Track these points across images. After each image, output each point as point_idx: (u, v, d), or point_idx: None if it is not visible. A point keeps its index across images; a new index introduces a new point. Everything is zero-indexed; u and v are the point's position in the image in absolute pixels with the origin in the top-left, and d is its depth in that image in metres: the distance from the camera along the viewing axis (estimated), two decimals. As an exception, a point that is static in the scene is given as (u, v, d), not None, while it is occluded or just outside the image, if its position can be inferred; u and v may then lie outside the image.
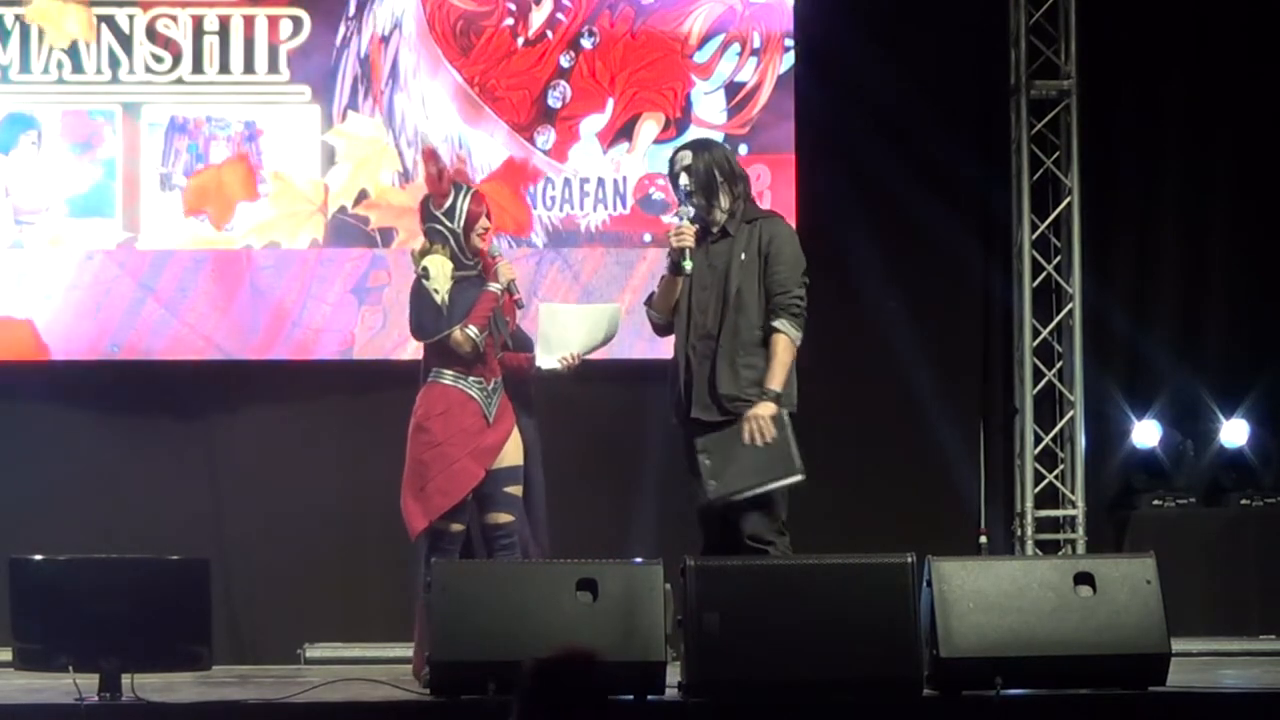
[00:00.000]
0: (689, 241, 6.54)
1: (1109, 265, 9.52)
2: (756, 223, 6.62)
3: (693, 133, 9.05)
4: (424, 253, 7.06)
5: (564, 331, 7.13)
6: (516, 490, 7.07)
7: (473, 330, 6.93)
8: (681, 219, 6.58)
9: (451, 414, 6.98)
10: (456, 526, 7.01)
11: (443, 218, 7.06)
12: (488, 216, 7.12)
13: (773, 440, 6.40)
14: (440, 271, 6.99)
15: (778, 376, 6.47)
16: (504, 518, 7.04)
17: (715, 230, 6.62)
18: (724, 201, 6.60)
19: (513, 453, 7.09)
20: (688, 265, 6.54)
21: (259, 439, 8.97)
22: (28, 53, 8.96)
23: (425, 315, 7.01)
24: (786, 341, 6.49)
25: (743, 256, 6.55)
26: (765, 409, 6.43)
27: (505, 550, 6.99)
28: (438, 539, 6.99)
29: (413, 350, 7.08)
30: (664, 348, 8.91)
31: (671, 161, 6.72)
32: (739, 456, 6.41)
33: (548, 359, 7.13)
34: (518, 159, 8.99)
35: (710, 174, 6.61)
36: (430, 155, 7.30)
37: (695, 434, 6.53)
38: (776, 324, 6.50)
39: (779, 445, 6.41)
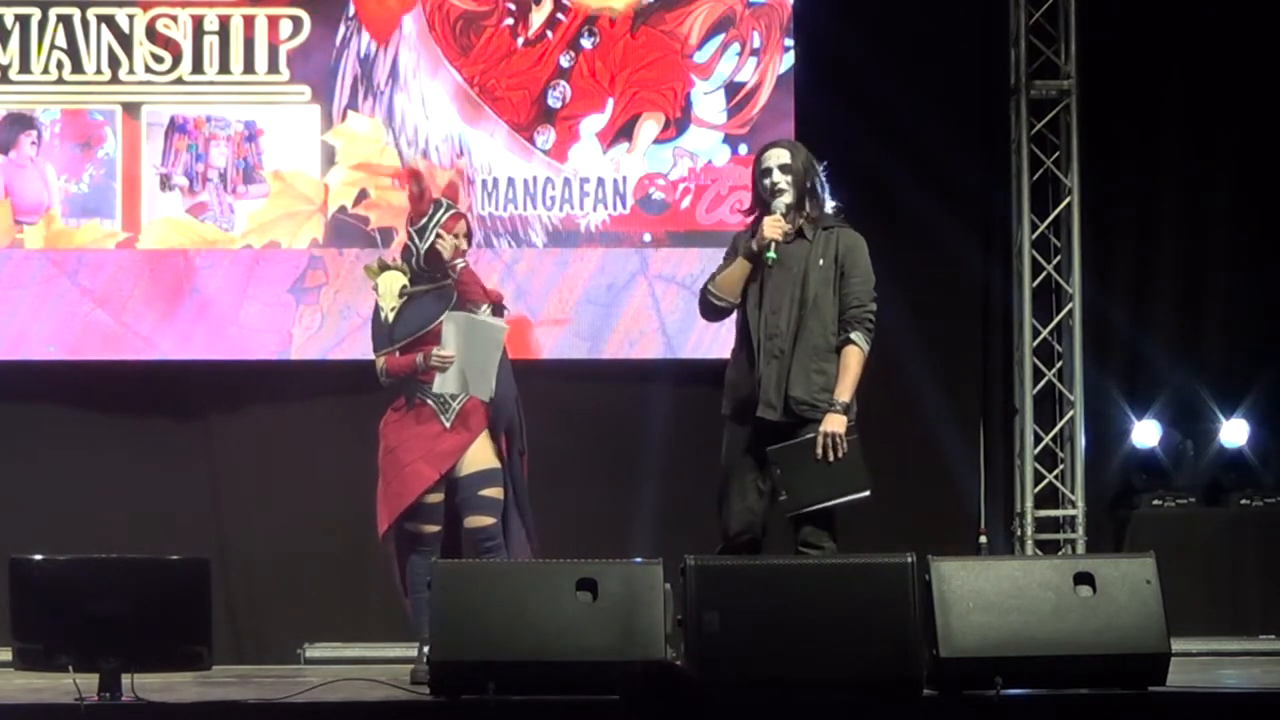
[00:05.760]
0: (780, 235, 6.53)
1: (1109, 265, 9.52)
2: (833, 230, 6.62)
3: (693, 133, 9.07)
4: (381, 268, 7.31)
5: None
6: (493, 493, 7.15)
7: (381, 366, 7.23)
8: (773, 211, 6.53)
9: (404, 420, 7.21)
10: (430, 528, 7.17)
11: (414, 234, 7.25)
12: (465, 237, 7.25)
13: (843, 455, 6.44)
14: (387, 289, 7.25)
15: (849, 389, 6.50)
16: (482, 520, 7.13)
17: (790, 231, 6.61)
18: (809, 205, 6.61)
19: (485, 456, 7.16)
20: (772, 256, 6.49)
21: (259, 439, 8.97)
22: (28, 53, 8.96)
23: (374, 331, 7.33)
24: (860, 354, 6.52)
25: (820, 262, 6.55)
26: (838, 424, 6.44)
27: (490, 553, 7.09)
28: (414, 541, 7.19)
29: (357, 351, 7.29)
30: (660, 348, 8.98)
31: (763, 158, 6.64)
32: (810, 470, 6.43)
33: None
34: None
35: (808, 174, 6.62)
36: (412, 175, 7.46)
37: (757, 430, 6.52)
38: (852, 336, 6.53)
39: (849, 460, 6.45)
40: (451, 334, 7.09)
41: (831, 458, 6.42)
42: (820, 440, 6.43)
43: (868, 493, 6.48)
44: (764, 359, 6.53)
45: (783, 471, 6.44)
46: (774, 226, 6.49)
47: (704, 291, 6.69)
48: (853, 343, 6.53)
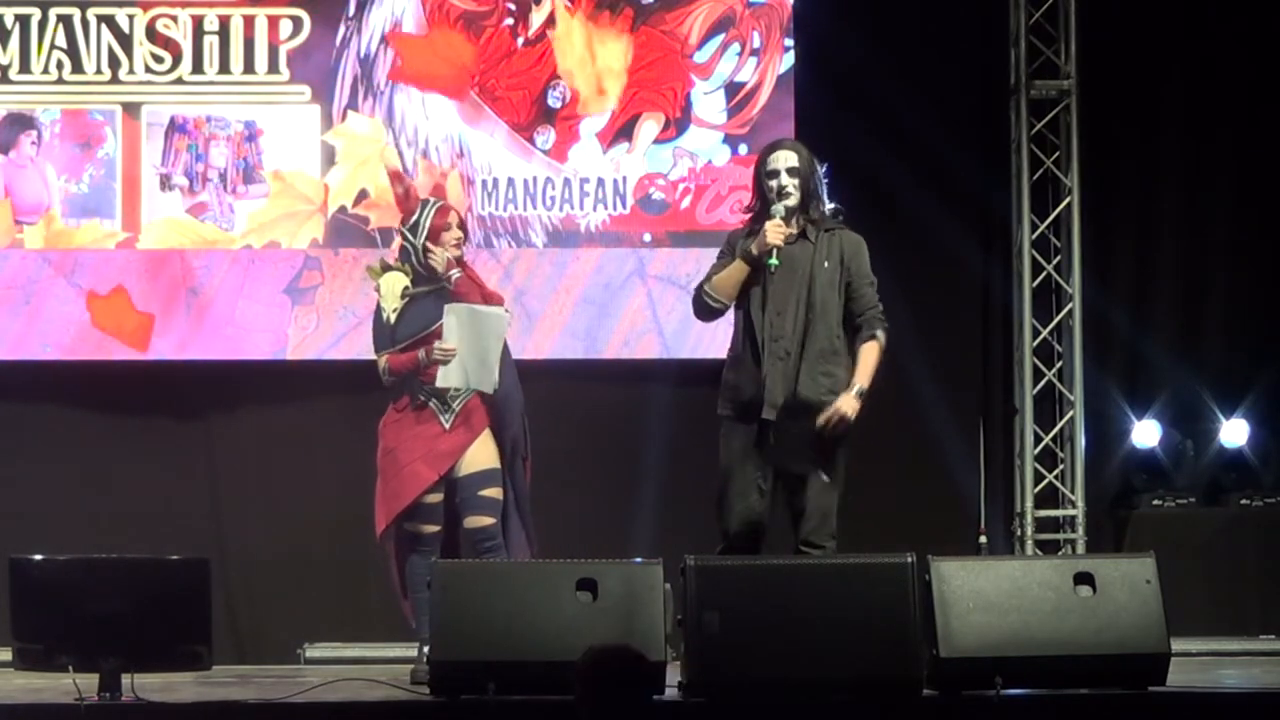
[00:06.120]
0: (781, 241, 6.52)
1: (1109, 265, 9.51)
2: (834, 232, 6.63)
3: (693, 133, 9.06)
4: (383, 269, 7.30)
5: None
6: (493, 493, 7.15)
7: (384, 366, 7.19)
8: (774, 215, 6.53)
9: (404, 420, 7.20)
10: (429, 528, 7.17)
11: (407, 233, 7.26)
12: (460, 227, 7.27)
13: (837, 435, 6.45)
14: (389, 290, 7.25)
15: (867, 374, 6.53)
16: (482, 520, 7.14)
17: (793, 233, 6.59)
18: (812, 207, 6.60)
19: (485, 457, 7.16)
20: (774, 262, 6.50)
21: (259, 439, 8.97)
22: (28, 53, 8.96)
23: (375, 331, 7.31)
24: (879, 348, 6.57)
25: (825, 264, 6.56)
26: (852, 407, 6.47)
27: (489, 553, 7.09)
28: (414, 541, 7.19)
29: (355, 351, 7.25)
30: (658, 349, 8.98)
31: (769, 159, 6.62)
32: (805, 433, 6.43)
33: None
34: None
35: (813, 177, 6.61)
36: (395, 176, 7.49)
37: (761, 431, 6.52)
38: (877, 333, 6.56)
39: (838, 445, 6.47)
40: (453, 326, 7.09)
41: (828, 432, 6.43)
42: (829, 413, 6.44)
43: (827, 480, 6.49)
44: (769, 360, 6.53)
45: (787, 418, 6.45)
46: (776, 232, 6.49)
47: (699, 292, 6.69)
48: (876, 339, 6.57)
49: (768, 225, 6.50)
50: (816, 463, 6.48)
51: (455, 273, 7.20)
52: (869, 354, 6.56)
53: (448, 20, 9.05)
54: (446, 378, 7.09)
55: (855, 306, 6.59)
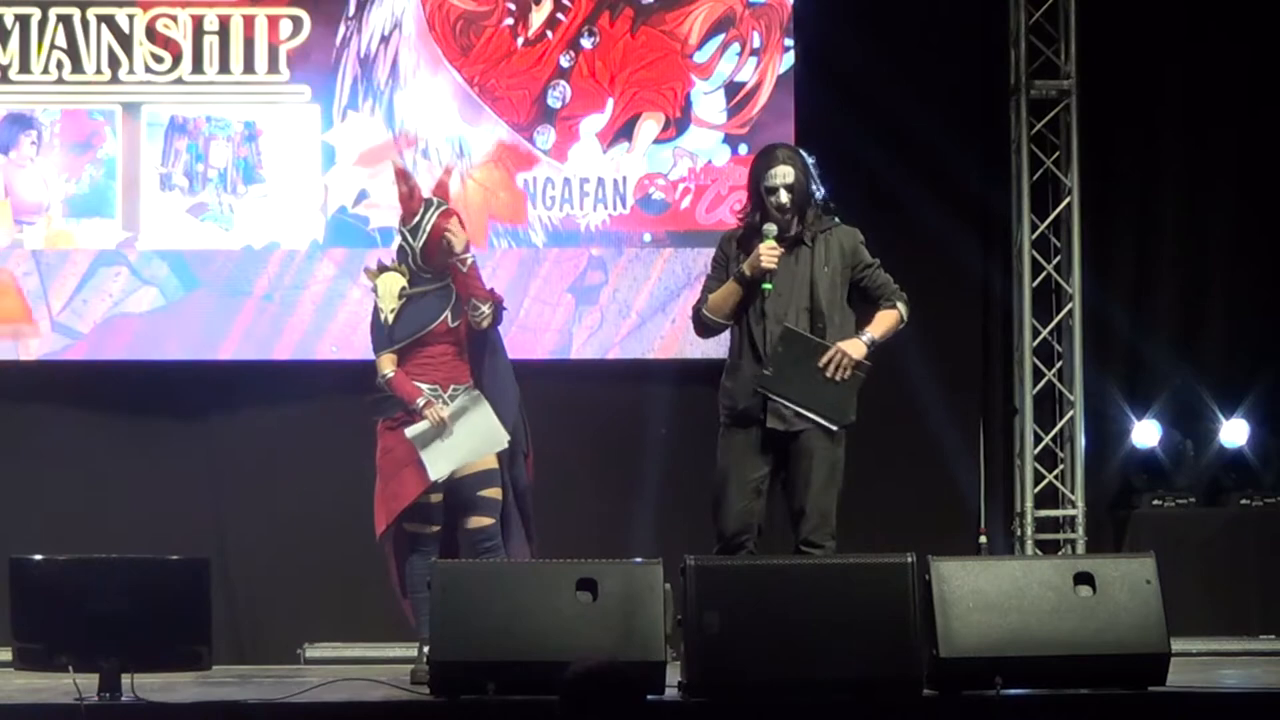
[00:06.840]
0: (775, 264, 6.51)
1: (1109, 265, 9.52)
2: (831, 232, 6.63)
3: (693, 133, 9.06)
4: (380, 269, 7.27)
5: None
6: (492, 494, 7.15)
7: (385, 373, 7.14)
8: (766, 235, 6.52)
9: (400, 420, 7.15)
10: (429, 528, 7.17)
11: (407, 234, 7.21)
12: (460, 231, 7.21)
13: (843, 381, 6.43)
14: (387, 290, 7.21)
15: (880, 329, 6.56)
16: (482, 521, 7.14)
17: (789, 236, 6.58)
18: (809, 215, 6.60)
19: (486, 458, 7.13)
20: (769, 286, 6.50)
21: (259, 439, 8.97)
22: (28, 53, 8.96)
23: (373, 332, 7.28)
24: (898, 317, 6.61)
25: (826, 268, 6.57)
26: (856, 349, 6.48)
27: (489, 553, 7.10)
28: (414, 541, 7.19)
29: (357, 351, 7.26)
30: (659, 348, 8.98)
31: (767, 175, 6.57)
32: (806, 369, 6.42)
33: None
34: (508, 141, 9.00)
35: (807, 189, 6.59)
36: (401, 175, 7.42)
37: (764, 435, 6.52)
38: (895, 303, 6.60)
39: (842, 388, 6.44)
40: (463, 406, 7.08)
41: (830, 373, 6.42)
42: (831, 353, 6.44)
43: (836, 429, 6.47)
44: None
45: (784, 351, 6.44)
46: (770, 256, 6.48)
47: (698, 314, 6.70)
48: (895, 307, 6.60)
49: (761, 248, 6.50)
50: (809, 404, 6.44)
51: (470, 256, 7.15)
52: (885, 315, 6.59)
53: (448, 21, 9.06)
54: (415, 434, 7.06)
55: (871, 292, 6.62)
